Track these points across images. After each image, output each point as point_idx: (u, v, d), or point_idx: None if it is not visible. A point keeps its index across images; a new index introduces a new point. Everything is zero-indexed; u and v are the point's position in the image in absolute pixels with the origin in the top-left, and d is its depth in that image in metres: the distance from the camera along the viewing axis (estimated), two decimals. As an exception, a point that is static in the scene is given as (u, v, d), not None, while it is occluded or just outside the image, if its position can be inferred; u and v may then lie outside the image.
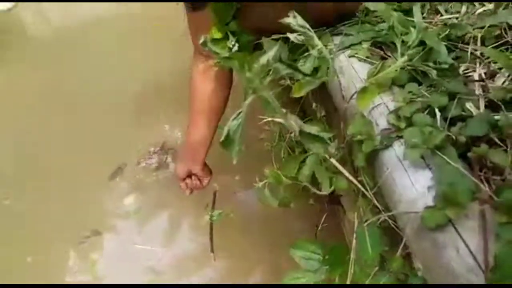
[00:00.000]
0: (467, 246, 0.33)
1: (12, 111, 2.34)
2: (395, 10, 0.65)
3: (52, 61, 2.57)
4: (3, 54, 2.75)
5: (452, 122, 0.43)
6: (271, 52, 0.33)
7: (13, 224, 1.65)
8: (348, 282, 0.44)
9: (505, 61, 0.42)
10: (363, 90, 0.47)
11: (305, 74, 0.37)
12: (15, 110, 2.32)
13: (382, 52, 0.61)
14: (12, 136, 2.13)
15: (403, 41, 0.52)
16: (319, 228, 1.13)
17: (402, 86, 0.52)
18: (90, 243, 1.53)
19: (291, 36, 0.49)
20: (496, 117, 0.41)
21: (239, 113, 0.38)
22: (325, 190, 0.52)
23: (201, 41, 0.33)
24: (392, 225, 0.45)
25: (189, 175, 1.08)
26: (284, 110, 0.42)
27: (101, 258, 1.46)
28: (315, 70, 0.53)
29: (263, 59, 0.33)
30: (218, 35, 0.57)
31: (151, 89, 2.10)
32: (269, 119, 0.46)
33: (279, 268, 1.21)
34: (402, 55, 0.47)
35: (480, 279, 0.30)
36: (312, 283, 0.46)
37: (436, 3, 0.64)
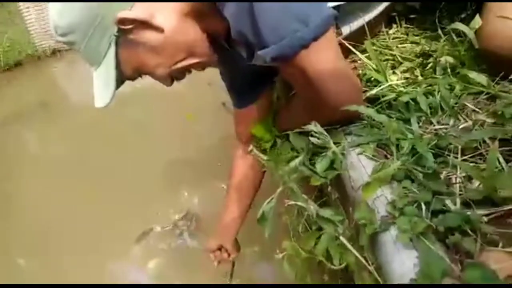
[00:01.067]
0: (439, 311, 0.44)
1: (39, 175, 2.50)
2: (397, 119, 0.82)
3: (84, 130, 2.76)
4: (43, 120, 2.99)
5: (435, 214, 0.56)
6: (298, 159, 0.48)
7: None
8: None
9: (473, 173, 0.55)
10: (367, 184, 0.61)
11: (320, 176, 0.51)
12: (42, 174, 2.47)
13: (385, 152, 0.76)
14: (40, 200, 2.27)
15: (398, 146, 0.67)
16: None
17: (399, 181, 0.66)
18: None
19: (313, 140, 0.65)
20: (468, 213, 0.54)
21: (272, 198, 0.52)
22: (336, 264, 0.64)
23: (249, 149, 0.49)
24: (389, 296, 0.56)
25: (219, 248, 1.21)
26: (305, 197, 0.56)
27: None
28: (330, 167, 0.67)
29: (292, 164, 0.48)
30: (259, 132, 0.72)
31: (177, 162, 2.27)
32: (293, 202, 0.59)
33: None
34: (397, 159, 0.62)
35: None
36: None
37: (429, 116, 0.80)
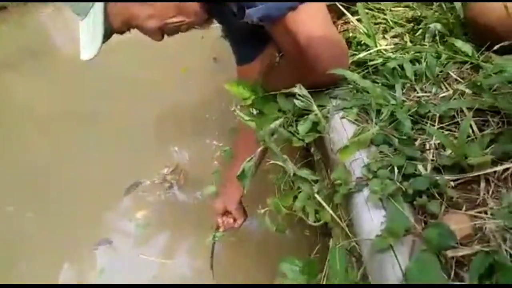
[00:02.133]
0: (399, 264, 0.48)
1: (31, 122, 2.48)
2: (383, 84, 0.83)
3: (74, 81, 2.71)
4: (32, 69, 2.93)
5: (406, 178, 0.59)
6: (278, 121, 0.50)
7: (25, 231, 1.78)
8: (320, 288, 0.59)
9: (445, 141, 0.58)
10: (345, 147, 0.64)
11: (299, 139, 0.54)
12: (34, 121, 2.46)
13: (367, 117, 0.78)
14: (30, 147, 2.28)
15: (379, 112, 0.70)
16: (312, 256, 1.27)
17: (377, 146, 0.69)
18: (101, 251, 1.67)
19: (296, 102, 0.67)
20: (437, 178, 0.58)
21: (252, 157, 0.55)
22: (311, 220, 0.68)
23: (232, 109, 0.51)
24: (358, 250, 0.61)
25: (225, 213, 1.18)
26: (285, 157, 0.59)
27: (110, 265, 1.60)
28: (313, 129, 0.70)
29: (272, 126, 0.50)
30: (233, 89, 0.73)
31: (168, 116, 2.26)
32: (273, 162, 0.62)
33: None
34: (376, 124, 0.65)
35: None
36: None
37: (414, 83, 0.81)
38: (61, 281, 1.57)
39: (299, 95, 0.65)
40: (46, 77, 2.81)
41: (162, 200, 1.86)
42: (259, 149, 0.55)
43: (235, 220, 1.20)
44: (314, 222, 0.81)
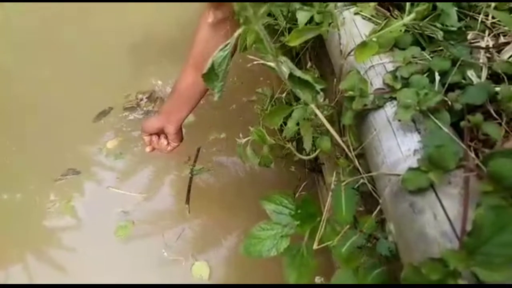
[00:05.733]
0: (445, 212, 0.31)
1: (5, 47, 2.27)
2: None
3: (54, 5, 2.48)
4: None
5: (451, 88, 0.41)
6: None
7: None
8: (317, 239, 0.43)
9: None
10: (363, 45, 0.44)
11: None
12: (9, 46, 2.24)
13: (388, 14, 0.58)
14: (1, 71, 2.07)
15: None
16: (297, 195, 1.12)
17: (404, 49, 0.49)
18: (68, 181, 1.51)
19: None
20: (497, 89, 0.39)
21: (227, 44, 0.35)
22: (307, 146, 0.50)
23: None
24: (371, 189, 0.44)
25: (158, 133, 0.98)
26: (275, 51, 0.39)
27: (78, 197, 1.45)
28: (314, 23, 0.49)
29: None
30: None
31: (149, 40, 2.04)
32: (260, 61, 0.42)
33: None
34: (410, 13, 0.44)
35: (454, 245, 0.29)
36: (280, 236, 0.45)
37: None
38: (29, 211, 1.43)
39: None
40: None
41: (135, 129, 1.67)
42: (236, 34, 0.35)
43: (168, 143, 0.98)
44: (308, 154, 0.64)
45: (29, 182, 1.54)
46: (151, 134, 0.97)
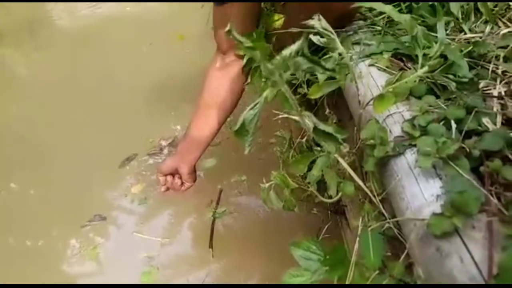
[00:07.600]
0: (471, 255, 0.33)
1: (29, 97, 2.39)
2: (418, 25, 0.66)
3: (72, 53, 2.62)
4: (29, 42, 2.81)
5: (467, 135, 0.43)
6: (294, 46, 0.34)
7: (16, 207, 1.67)
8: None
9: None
10: (381, 96, 0.47)
11: (326, 69, 0.37)
12: (32, 95, 2.36)
13: (402, 64, 0.61)
14: (26, 121, 2.17)
15: (424, 54, 0.52)
16: (320, 238, 1.12)
17: (419, 98, 0.52)
18: (93, 228, 1.54)
19: (314, 38, 0.50)
20: (512, 134, 0.41)
21: (257, 103, 0.39)
22: (332, 192, 0.52)
23: (226, 29, 0.34)
24: (397, 233, 0.45)
25: (173, 174, 1.02)
26: (299, 108, 0.42)
27: (103, 243, 1.47)
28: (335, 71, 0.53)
29: (286, 52, 0.34)
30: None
31: (167, 85, 2.13)
32: (285, 115, 0.46)
33: (277, 278, 1.21)
34: (423, 65, 0.48)
35: (481, 289, 0.30)
36: (310, 282, 0.46)
37: (461, 22, 0.64)
38: (52, 258, 1.45)
39: (319, 28, 0.48)
40: (44, 49, 2.67)
41: (155, 173, 1.71)
42: (264, 94, 0.38)
43: (182, 183, 1.03)
44: (330, 197, 0.65)
45: (54, 229, 1.57)
46: (166, 175, 1.01)
